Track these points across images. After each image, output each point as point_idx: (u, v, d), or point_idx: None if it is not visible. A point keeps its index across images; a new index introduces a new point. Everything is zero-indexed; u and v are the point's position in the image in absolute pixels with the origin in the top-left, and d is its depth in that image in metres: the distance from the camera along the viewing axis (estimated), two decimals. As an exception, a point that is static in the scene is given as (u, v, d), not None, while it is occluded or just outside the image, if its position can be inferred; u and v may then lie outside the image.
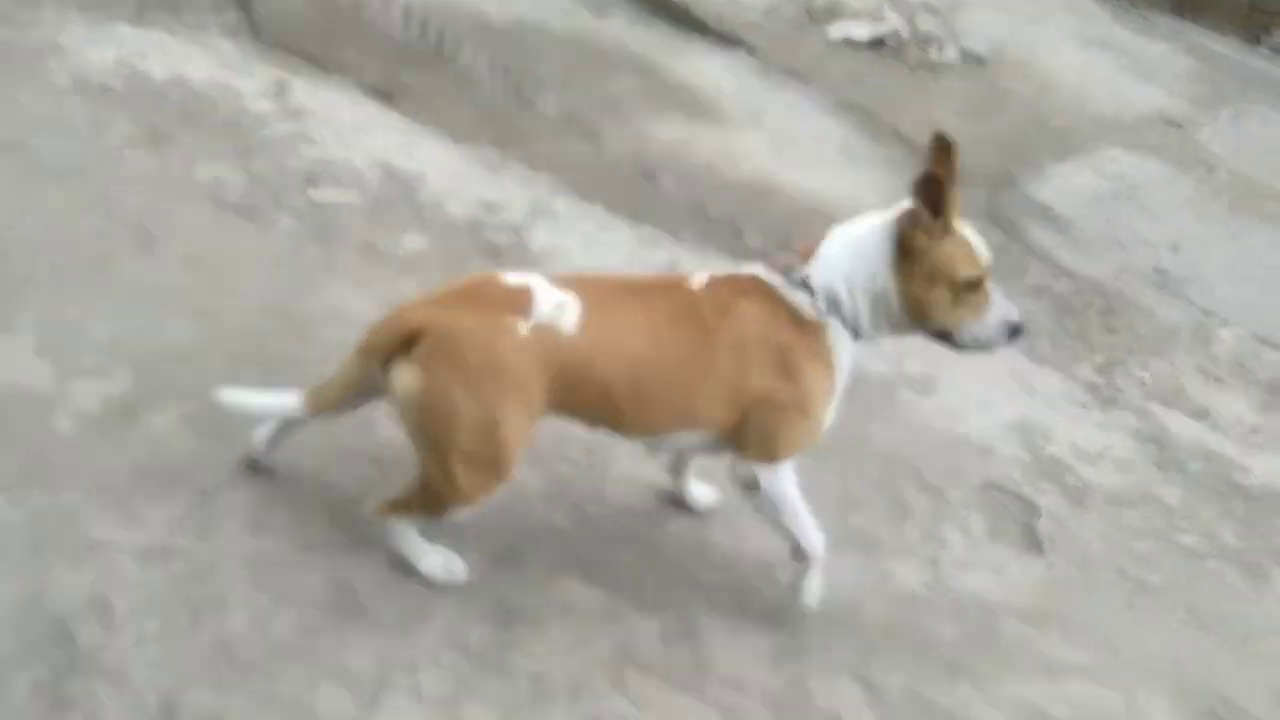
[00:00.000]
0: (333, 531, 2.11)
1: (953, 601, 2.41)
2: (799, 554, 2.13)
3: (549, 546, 2.25)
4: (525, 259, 3.32)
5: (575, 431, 2.14)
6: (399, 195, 3.44)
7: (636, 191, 3.96)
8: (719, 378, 1.96)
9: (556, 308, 1.90)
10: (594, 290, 1.97)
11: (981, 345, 2.02)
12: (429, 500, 1.97)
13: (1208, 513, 3.04)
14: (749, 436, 2.01)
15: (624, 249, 3.58)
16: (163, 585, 1.92)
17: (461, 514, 1.98)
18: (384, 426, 2.20)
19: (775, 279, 1.99)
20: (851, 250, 1.98)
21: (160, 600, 1.89)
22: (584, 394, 1.94)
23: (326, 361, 2.08)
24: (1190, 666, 2.42)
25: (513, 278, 1.97)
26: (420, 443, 1.91)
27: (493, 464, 1.91)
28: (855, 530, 2.52)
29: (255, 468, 2.17)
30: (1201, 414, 3.59)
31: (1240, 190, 5.45)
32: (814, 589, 2.17)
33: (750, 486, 2.06)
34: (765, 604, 2.24)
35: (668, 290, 2.04)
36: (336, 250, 3.09)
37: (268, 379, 2.12)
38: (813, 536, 2.10)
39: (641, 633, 2.09)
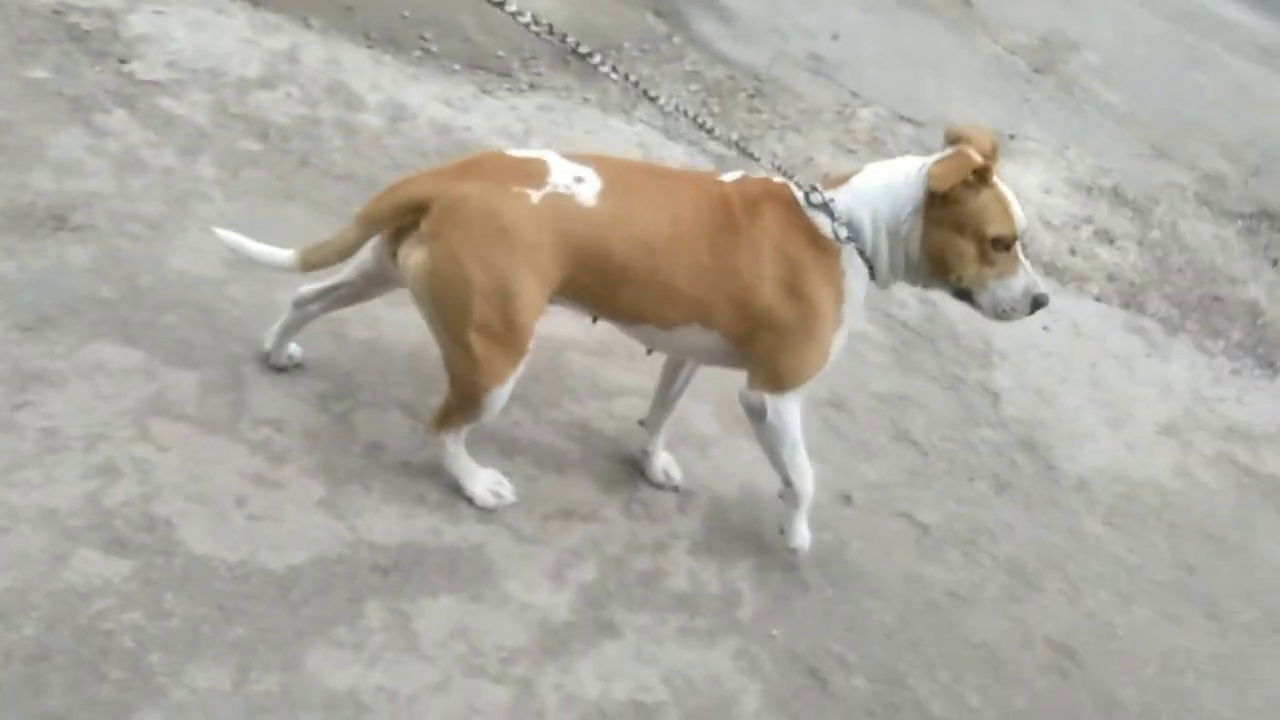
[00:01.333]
0: None
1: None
2: (788, 491, 2.13)
3: (88, 315, 2.19)
4: (116, 45, 3.06)
5: (140, 207, 2.01)
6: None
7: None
8: (735, 277, 1.91)
9: (575, 179, 1.84)
10: (616, 168, 1.92)
11: (1003, 312, 1.95)
12: (462, 395, 1.93)
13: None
14: (757, 359, 1.99)
15: (238, 34, 3.36)
16: None
17: (496, 402, 1.94)
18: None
19: (796, 185, 1.95)
20: (883, 185, 1.95)
21: None
22: (597, 270, 1.87)
23: None
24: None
25: (522, 153, 1.94)
26: (436, 323, 1.87)
27: (510, 335, 1.85)
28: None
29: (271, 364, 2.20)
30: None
31: (906, -18, 5.77)
32: (802, 530, 2.18)
33: (756, 415, 2.03)
34: (321, 354, 2.29)
35: (697, 180, 1.99)
36: None
37: None
38: (805, 476, 2.09)
39: (178, 386, 2.10)
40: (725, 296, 1.92)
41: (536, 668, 1.85)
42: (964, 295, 1.99)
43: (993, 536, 2.57)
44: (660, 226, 1.87)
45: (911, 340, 3.21)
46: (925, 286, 2.08)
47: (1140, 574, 2.63)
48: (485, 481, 2.10)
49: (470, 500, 2.08)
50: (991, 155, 1.94)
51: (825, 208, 1.92)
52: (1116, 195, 4.63)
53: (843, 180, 2.00)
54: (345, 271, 2.07)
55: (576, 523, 2.18)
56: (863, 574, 2.32)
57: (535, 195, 1.81)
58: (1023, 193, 4.32)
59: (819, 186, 1.97)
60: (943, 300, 3.04)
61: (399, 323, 2.36)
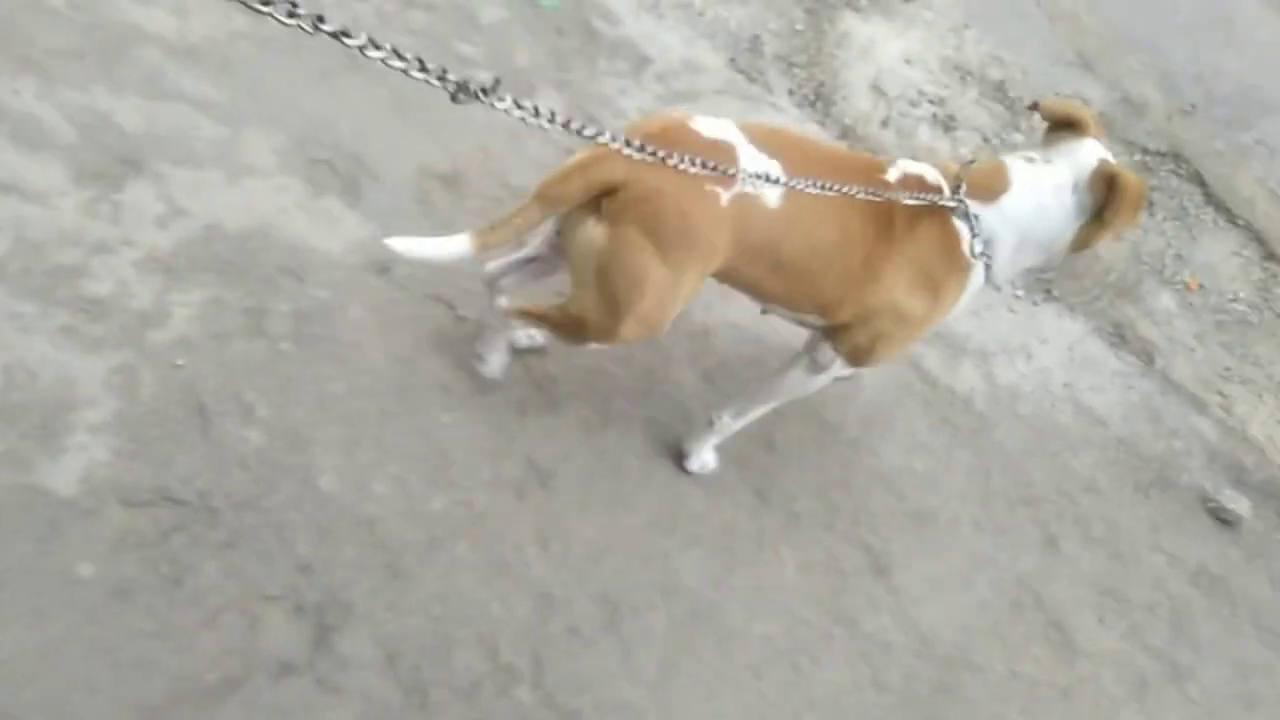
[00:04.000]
0: None
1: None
2: (725, 422, 2.18)
3: None
4: None
5: None
6: None
7: None
8: (876, 285, 1.90)
9: (765, 175, 1.73)
10: (797, 159, 1.79)
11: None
12: (574, 331, 1.88)
13: None
14: (857, 335, 1.97)
15: None
16: None
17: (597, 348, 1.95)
18: None
19: (950, 201, 1.88)
20: (1035, 208, 1.90)
21: None
22: (759, 266, 1.84)
23: None
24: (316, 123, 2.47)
25: (708, 127, 1.76)
26: (593, 294, 1.79)
27: (659, 321, 1.84)
28: None
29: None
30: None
31: None
32: (707, 458, 2.24)
33: (816, 368, 2.06)
34: None
35: (867, 176, 1.85)
36: None
37: None
38: (749, 420, 2.18)
39: None
40: (860, 298, 1.92)
41: None
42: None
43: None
44: (829, 234, 1.84)
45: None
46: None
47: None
48: (498, 362, 2.15)
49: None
50: (1098, 129, 1.97)
51: (971, 223, 1.90)
52: (995, 90, 4.12)
53: (993, 188, 1.92)
54: (533, 244, 2.01)
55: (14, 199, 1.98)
56: (339, 340, 2.11)
57: (725, 196, 1.73)
58: (876, 55, 3.87)
59: (965, 191, 1.90)
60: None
61: None
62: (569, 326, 1.88)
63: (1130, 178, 1.85)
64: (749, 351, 2.53)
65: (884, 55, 3.92)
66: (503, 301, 2.02)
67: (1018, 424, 2.79)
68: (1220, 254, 4.18)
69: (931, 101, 3.85)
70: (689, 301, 1.87)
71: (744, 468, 2.29)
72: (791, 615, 2.11)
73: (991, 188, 1.91)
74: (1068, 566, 2.53)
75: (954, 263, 1.91)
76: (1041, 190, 1.91)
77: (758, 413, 2.18)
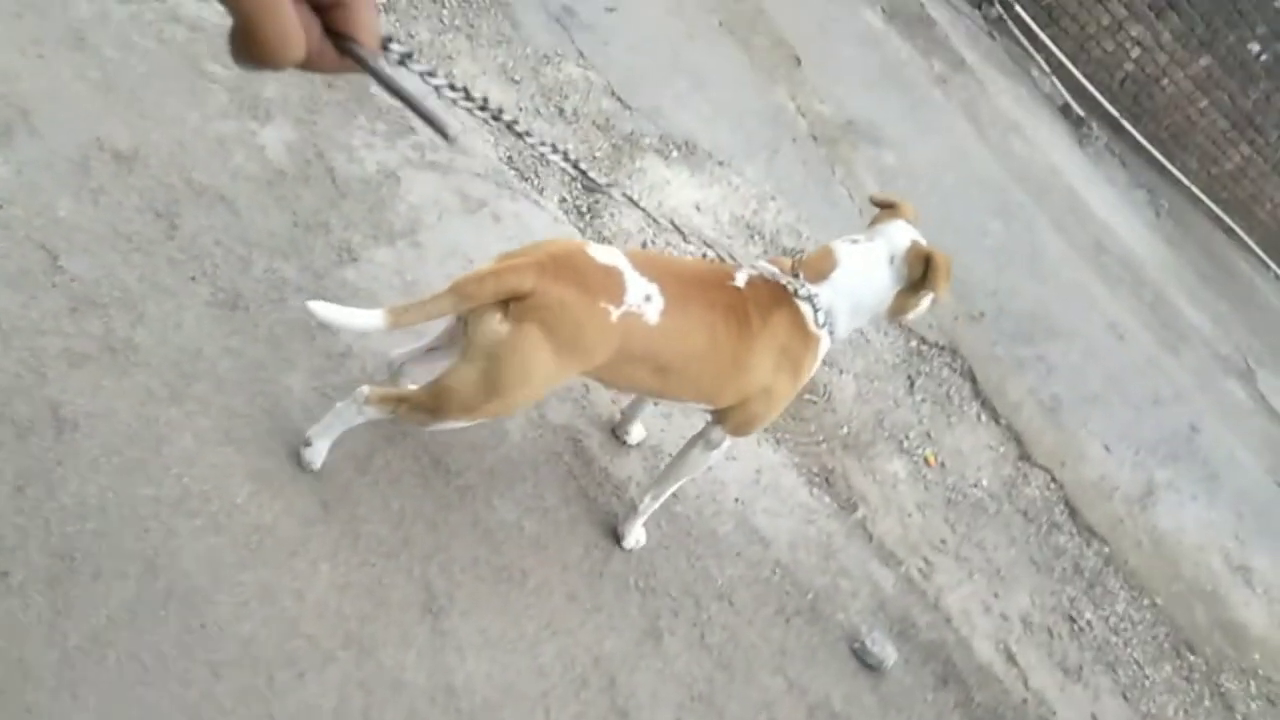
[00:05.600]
0: None
1: None
2: (648, 503, 2.52)
3: None
4: None
5: None
6: None
7: None
8: (747, 373, 2.21)
9: (645, 298, 2.02)
10: (670, 281, 2.09)
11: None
12: (433, 409, 2.03)
13: None
14: (737, 416, 2.31)
15: None
16: None
17: (445, 429, 2.11)
18: None
19: (790, 286, 2.20)
20: (863, 279, 2.26)
21: None
22: (643, 369, 2.10)
23: None
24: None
25: (601, 254, 2.05)
26: (476, 373, 1.97)
27: (514, 407, 2.09)
28: None
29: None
30: None
31: None
32: (638, 534, 2.60)
33: (711, 446, 2.40)
34: None
35: (721, 286, 2.19)
36: None
37: None
38: (666, 495, 2.52)
39: None
40: (735, 387, 2.23)
41: None
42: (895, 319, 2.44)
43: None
44: (701, 339, 2.12)
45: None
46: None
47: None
48: (319, 450, 2.21)
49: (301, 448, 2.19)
50: (914, 220, 2.36)
51: (810, 301, 2.21)
52: (783, 252, 4.37)
53: (823, 269, 2.26)
54: (435, 336, 2.26)
55: None
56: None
57: (615, 313, 1.99)
58: (665, 194, 4.11)
59: (802, 278, 2.23)
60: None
61: None
62: (432, 402, 2.03)
63: (938, 254, 2.23)
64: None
65: (675, 197, 4.16)
66: (364, 389, 2.09)
67: (664, 518, 2.74)
68: (973, 445, 4.30)
69: (707, 245, 4.06)
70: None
71: (322, 479, 2.20)
72: (294, 628, 1.95)
73: (822, 269, 2.25)
74: (662, 662, 2.40)
75: (805, 339, 2.23)
76: (865, 264, 2.26)
77: (670, 489, 2.52)
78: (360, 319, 1.94)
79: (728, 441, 2.40)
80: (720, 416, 2.36)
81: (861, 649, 2.79)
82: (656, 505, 2.54)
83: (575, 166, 1.40)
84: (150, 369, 2.16)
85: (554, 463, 2.63)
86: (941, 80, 6.92)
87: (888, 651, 2.79)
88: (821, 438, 3.61)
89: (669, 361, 2.12)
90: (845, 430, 3.75)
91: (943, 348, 4.70)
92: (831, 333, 2.27)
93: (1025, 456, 4.47)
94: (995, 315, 5.15)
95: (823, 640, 2.76)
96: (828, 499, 3.30)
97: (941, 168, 6.00)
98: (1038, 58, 8.37)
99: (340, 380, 2.41)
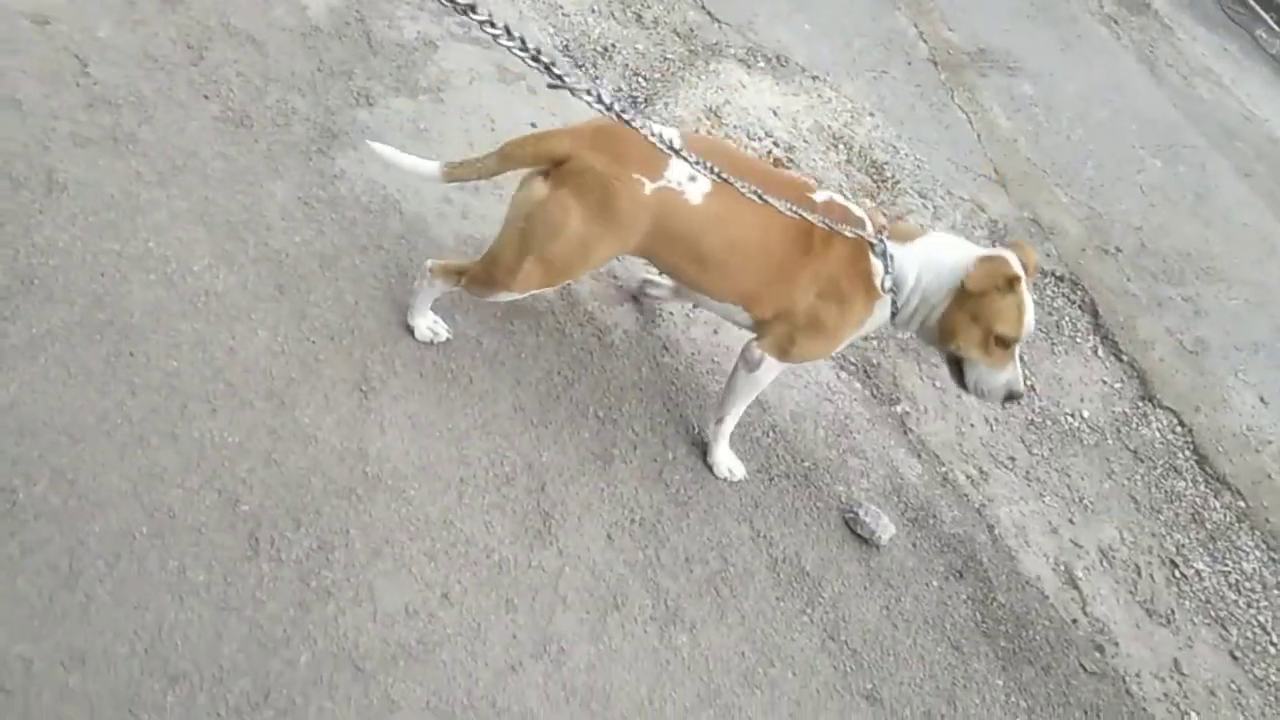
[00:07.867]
0: None
1: None
2: (717, 428, 2.45)
3: None
4: None
5: None
6: None
7: None
8: (791, 288, 2.16)
9: (689, 178, 2.03)
10: (729, 169, 1.92)
11: (980, 392, 2.22)
12: (485, 278, 2.18)
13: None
14: (775, 330, 2.25)
15: None
16: None
17: (503, 299, 2.23)
18: None
19: (870, 236, 2.13)
20: (937, 259, 2.15)
21: None
22: (680, 251, 2.11)
23: None
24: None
25: (658, 134, 1.95)
26: (514, 233, 2.10)
27: (555, 275, 2.14)
28: None
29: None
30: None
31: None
32: (727, 463, 2.48)
33: (750, 365, 2.33)
34: None
35: (796, 196, 2.07)
36: None
37: None
38: (737, 418, 2.45)
39: None
40: (777, 298, 2.18)
41: None
42: (955, 363, 2.24)
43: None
44: (749, 234, 2.09)
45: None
46: (927, 343, 2.28)
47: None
48: (426, 323, 2.36)
49: (411, 332, 2.35)
50: (1029, 269, 2.19)
51: (885, 259, 2.13)
52: (869, 165, 4.10)
53: (911, 236, 2.20)
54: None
55: None
56: None
57: (649, 186, 2.02)
58: (739, 95, 4.01)
59: (887, 233, 2.16)
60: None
61: None
62: (483, 270, 2.15)
63: (1020, 251, 2.15)
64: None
65: (750, 99, 4.05)
66: (429, 262, 2.25)
67: (646, 364, 2.63)
68: (1081, 376, 3.82)
69: (776, 144, 3.90)
70: (596, 268, 2.19)
71: (283, 268, 2.31)
72: (219, 375, 2.06)
73: (909, 235, 2.18)
74: (606, 484, 2.29)
75: (865, 286, 2.15)
76: (948, 249, 2.16)
77: (730, 416, 2.42)
78: (417, 164, 2.12)
79: (768, 362, 2.28)
80: (758, 332, 2.29)
81: (853, 519, 2.53)
82: (725, 431, 2.44)
83: (534, 58, 1.37)
84: (145, 159, 2.38)
85: (537, 299, 2.62)
86: (1111, 20, 6.27)
87: (883, 524, 2.52)
88: (875, 340, 3.34)
89: (710, 250, 2.09)
90: (908, 336, 3.46)
91: (1061, 278, 4.23)
92: (895, 302, 2.15)
93: (1149, 397, 3.89)
94: (1135, 251, 4.56)
95: (809, 504, 2.54)
96: (859, 385, 3.05)
97: (1093, 102, 5.41)
98: (1267, 18, 7.48)
99: (327, 196, 2.55)
